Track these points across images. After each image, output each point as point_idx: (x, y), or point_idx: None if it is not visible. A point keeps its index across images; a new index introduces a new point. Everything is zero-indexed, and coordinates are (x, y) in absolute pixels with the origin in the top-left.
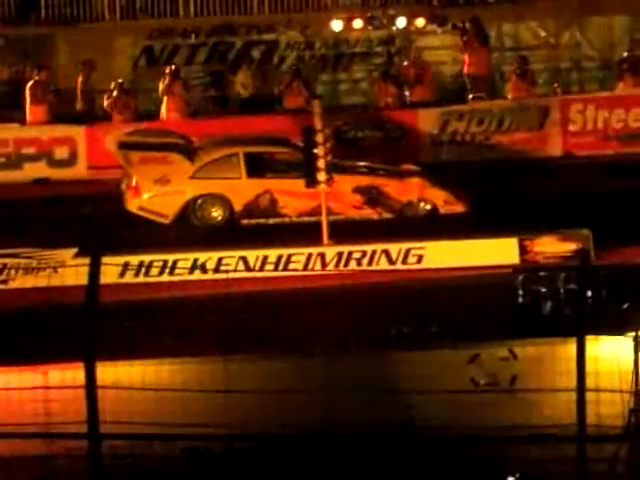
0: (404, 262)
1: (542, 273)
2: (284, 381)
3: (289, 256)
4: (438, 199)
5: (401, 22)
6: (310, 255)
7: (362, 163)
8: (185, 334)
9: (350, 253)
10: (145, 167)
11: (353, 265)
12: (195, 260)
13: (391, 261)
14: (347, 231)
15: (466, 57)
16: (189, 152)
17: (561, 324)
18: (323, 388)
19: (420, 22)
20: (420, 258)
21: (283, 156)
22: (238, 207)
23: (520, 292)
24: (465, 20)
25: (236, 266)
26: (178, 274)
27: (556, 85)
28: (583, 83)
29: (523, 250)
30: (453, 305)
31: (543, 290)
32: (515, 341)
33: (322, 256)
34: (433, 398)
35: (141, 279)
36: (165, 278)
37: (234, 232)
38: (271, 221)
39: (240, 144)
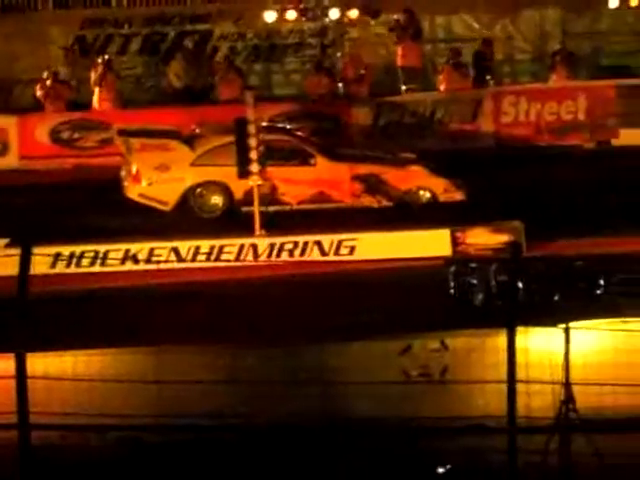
0: (336, 253)
1: (473, 265)
2: (217, 372)
3: (221, 247)
4: (438, 187)
5: (334, 14)
6: (242, 246)
7: (361, 151)
8: (117, 325)
9: (282, 244)
10: (145, 154)
11: (285, 256)
12: (127, 251)
13: (323, 252)
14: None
15: (399, 49)
16: (189, 139)
17: (492, 315)
18: (254, 380)
19: (353, 14)
20: (352, 249)
21: (283, 144)
22: (238, 195)
23: (452, 284)
24: (398, 12)
25: (168, 257)
26: (109, 265)
27: (489, 77)
28: (516, 75)
29: (455, 242)
30: (385, 296)
31: (474, 282)
32: (446, 332)
33: (254, 247)
34: (365, 389)
35: (72, 270)
36: (96, 269)
37: (234, 219)
38: (271, 208)
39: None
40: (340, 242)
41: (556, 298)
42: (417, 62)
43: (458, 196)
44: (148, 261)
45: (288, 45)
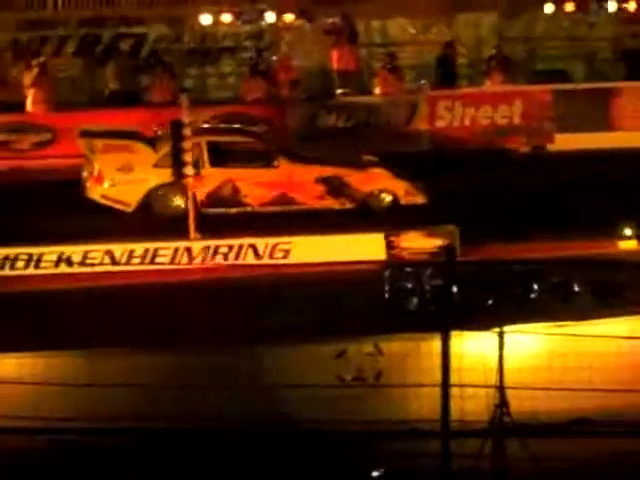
0: (271, 257)
1: (408, 269)
2: (150, 376)
3: (155, 250)
4: (399, 190)
5: (270, 17)
6: (177, 249)
7: (324, 153)
8: (50, 328)
9: (217, 247)
10: (108, 155)
11: (220, 259)
12: (61, 254)
13: (258, 256)
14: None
15: (334, 53)
16: (152, 141)
17: (427, 320)
18: (188, 383)
19: (289, 17)
20: (287, 253)
21: (245, 145)
22: (200, 196)
23: (386, 288)
24: (334, 16)
25: (102, 260)
26: (44, 267)
27: (424, 81)
28: None
29: (389, 246)
30: (319, 300)
31: (409, 286)
32: (381, 336)
33: (189, 250)
34: (300, 394)
35: (7, 272)
36: (31, 271)
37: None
38: (233, 210)
39: (203, 133)
40: (275, 245)
41: (490, 302)
42: (353, 66)
43: (419, 199)
44: (82, 264)
45: (223, 48)
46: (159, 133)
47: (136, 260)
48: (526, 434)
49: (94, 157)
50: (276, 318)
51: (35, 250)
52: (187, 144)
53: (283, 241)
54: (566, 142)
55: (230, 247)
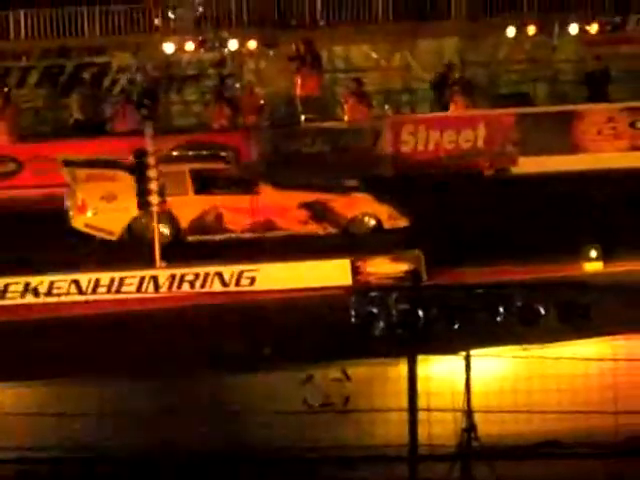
0: (237, 284)
1: (374, 293)
2: (117, 404)
3: (122, 279)
4: (382, 214)
5: (233, 45)
6: (143, 278)
7: (305, 179)
8: (18, 358)
9: (183, 275)
10: (91, 184)
11: (186, 288)
12: (27, 284)
13: (224, 283)
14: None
15: (298, 79)
16: (135, 169)
17: (393, 344)
18: (155, 411)
19: (252, 44)
20: (253, 280)
21: (228, 172)
22: (184, 224)
23: (352, 313)
24: (297, 43)
25: (68, 289)
26: (10, 298)
27: (387, 107)
28: (414, 105)
29: (355, 271)
30: (286, 326)
31: (375, 310)
32: (348, 362)
33: (155, 279)
34: (267, 419)
35: None
36: None
37: (180, 248)
38: (217, 237)
39: (186, 161)
40: (241, 273)
41: (456, 326)
42: (316, 92)
43: (402, 222)
44: (48, 294)
45: (187, 76)
46: (141, 161)
47: (102, 289)
48: (494, 457)
49: (77, 186)
50: (242, 345)
51: (0, 281)
52: (152, 172)
53: (249, 268)
54: (530, 165)
55: (196, 275)
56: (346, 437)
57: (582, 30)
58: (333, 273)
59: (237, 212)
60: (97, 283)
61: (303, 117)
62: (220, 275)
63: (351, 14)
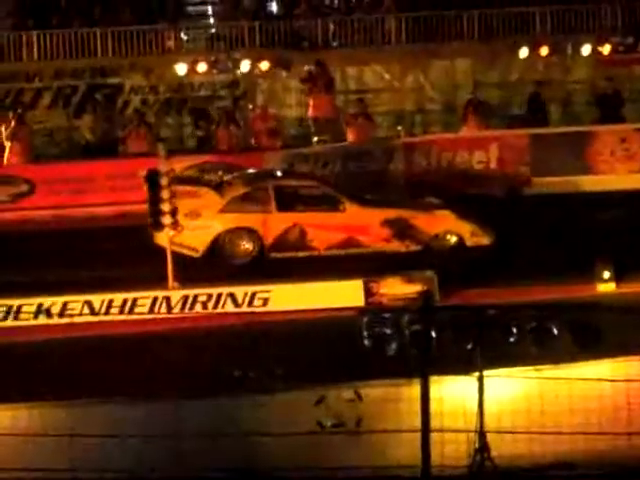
0: (250, 305)
1: (386, 314)
2: (130, 426)
3: (134, 300)
4: (465, 231)
5: (245, 66)
6: (155, 299)
7: (387, 196)
8: (32, 379)
9: (196, 296)
10: (175, 201)
11: (199, 308)
12: (39, 305)
13: (237, 304)
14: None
15: (310, 100)
16: (218, 186)
17: (406, 365)
18: (170, 433)
19: (264, 65)
20: (266, 301)
21: (311, 190)
22: (268, 240)
23: (365, 334)
24: (310, 64)
25: (81, 310)
26: (23, 319)
27: (400, 128)
28: (428, 125)
29: (368, 292)
30: (299, 347)
31: (388, 331)
32: (360, 382)
33: (167, 300)
34: (280, 441)
35: None
36: (9, 323)
37: (264, 266)
38: (300, 254)
39: (270, 178)
40: (254, 294)
41: (469, 347)
42: (329, 113)
43: (485, 240)
44: (61, 315)
45: (199, 97)
46: (225, 178)
47: (115, 310)
48: (507, 478)
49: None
50: (255, 366)
51: (14, 302)
52: (164, 193)
53: (262, 289)
54: (543, 186)
55: (209, 296)
56: (358, 458)
57: (595, 51)
58: (346, 294)
59: (320, 229)
60: (110, 304)
61: (315, 139)
62: (232, 296)
63: (364, 36)
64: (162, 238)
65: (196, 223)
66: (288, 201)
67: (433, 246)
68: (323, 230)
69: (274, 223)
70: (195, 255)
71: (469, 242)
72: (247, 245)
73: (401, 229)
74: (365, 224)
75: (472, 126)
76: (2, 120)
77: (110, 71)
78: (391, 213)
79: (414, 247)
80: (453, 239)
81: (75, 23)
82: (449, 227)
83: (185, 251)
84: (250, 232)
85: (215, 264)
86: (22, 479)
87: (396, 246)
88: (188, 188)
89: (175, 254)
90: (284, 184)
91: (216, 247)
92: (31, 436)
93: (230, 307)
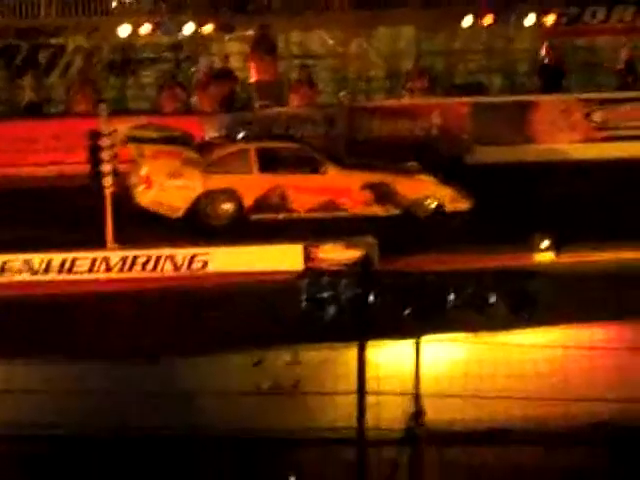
0: (189, 267)
1: (325, 279)
2: (69, 385)
3: (73, 260)
4: (445, 196)
5: (189, 29)
6: (95, 259)
7: (368, 160)
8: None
9: (135, 257)
10: (158, 161)
11: (138, 269)
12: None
13: (176, 266)
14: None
15: (252, 65)
16: (201, 147)
17: (344, 329)
18: (108, 392)
19: (208, 29)
20: (205, 264)
21: (293, 152)
22: (248, 202)
23: (303, 297)
24: (254, 28)
25: (20, 269)
26: None
27: (343, 94)
28: (370, 92)
29: (307, 256)
30: (238, 310)
31: (326, 295)
32: (298, 346)
33: (107, 260)
34: (218, 401)
35: None
36: None
37: (243, 227)
38: (281, 216)
39: (252, 140)
40: (193, 256)
41: (407, 312)
42: (271, 78)
43: (464, 205)
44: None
45: (142, 59)
46: (207, 139)
47: (54, 270)
48: (441, 442)
49: (144, 162)
50: (194, 328)
51: None
52: (105, 154)
53: (201, 252)
54: (484, 154)
55: (148, 257)
56: (295, 420)
57: (538, 21)
58: (285, 258)
59: (301, 191)
60: (49, 263)
61: (257, 103)
62: (172, 258)
63: (309, 1)
64: (143, 197)
65: (178, 183)
66: (270, 163)
67: (413, 211)
68: (304, 192)
69: (255, 185)
70: (176, 215)
71: (449, 207)
72: (228, 206)
73: (382, 193)
74: (346, 187)
75: (415, 94)
76: None
77: (53, 31)
78: (372, 177)
79: (393, 211)
80: (433, 204)
81: None
82: (429, 192)
83: (166, 211)
84: (231, 193)
85: (195, 225)
86: None
87: (376, 210)
88: (170, 148)
89: (154, 214)
90: (266, 146)
91: (197, 208)
92: None
93: (169, 269)
